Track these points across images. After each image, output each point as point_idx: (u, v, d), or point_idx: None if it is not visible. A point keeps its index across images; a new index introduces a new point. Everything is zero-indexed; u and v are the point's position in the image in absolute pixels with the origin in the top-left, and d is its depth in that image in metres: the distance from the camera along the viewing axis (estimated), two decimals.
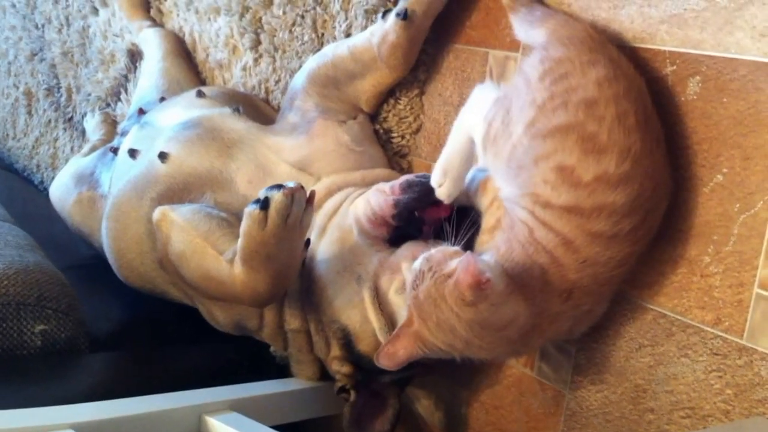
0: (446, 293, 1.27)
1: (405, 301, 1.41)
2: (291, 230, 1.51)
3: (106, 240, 2.02)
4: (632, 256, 1.31)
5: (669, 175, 1.33)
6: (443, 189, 1.52)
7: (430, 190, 1.54)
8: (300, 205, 1.51)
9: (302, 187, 1.51)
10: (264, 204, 1.48)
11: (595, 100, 1.27)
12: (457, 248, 1.35)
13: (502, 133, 1.36)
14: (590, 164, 1.25)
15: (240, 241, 1.53)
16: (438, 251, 1.34)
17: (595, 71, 1.29)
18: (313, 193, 1.56)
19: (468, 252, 1.30)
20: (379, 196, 1.62)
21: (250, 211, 1.49)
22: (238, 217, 1.60)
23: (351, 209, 1.69)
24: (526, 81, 1.36)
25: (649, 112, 1.31)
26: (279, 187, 1.49)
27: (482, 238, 1.44)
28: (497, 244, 1.35)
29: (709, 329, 1.37)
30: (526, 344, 1.40)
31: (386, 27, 1.80)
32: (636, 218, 1.27)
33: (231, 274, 1.58)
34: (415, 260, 1.48)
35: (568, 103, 1.28)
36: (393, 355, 1.39)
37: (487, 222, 1.46)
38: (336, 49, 1.92)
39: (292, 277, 1.65)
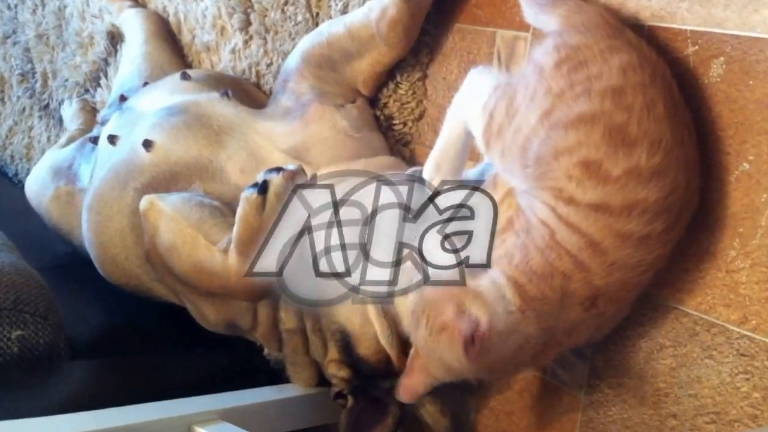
0: (442, 347, 1.30)
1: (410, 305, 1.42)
2: None
3: (87, 234, 2.03)
4: (663, 258, 1.31)
5: (699, 168, 1.33)
6: (435, 183, 1.52)
7: None
8: None
9: (303, 170, 1.52)
10: (262, 188, 1.48)
11: (621, 87, 1.26)
12: (452, 273, 1.37)
13: (507, 125, 1.35)
14: (620, 157, 1.23)
15: (235, 228, 1.54)
16: (431, 288, 1.35)
17: (618, 58, 1.29)
18: (314, 177, 1.56)
19: (457, 304, 1.30)
20: None
21: (247, 195, 1.50)
22: (231, 208, 1.60)
23: None
24: (538, 69, 1.34)
25: (676, 100, 1.30)
26: (278, 170, 1.50)
27: None
28: (510, 252, 1.34)
29: (735, 328, 1.37)
30: (539, 361, 1.41)
31: (385, 1, 1.79)
32: (669, 216, 1.26)
33: (225, 264, 1.59)
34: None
35: (590, 91, 1.27)
36: (412, 388, 1.42)
37: (497, 222, 1.46)
38: (331, 27, 1.91)
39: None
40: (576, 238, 1.27)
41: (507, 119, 1.36)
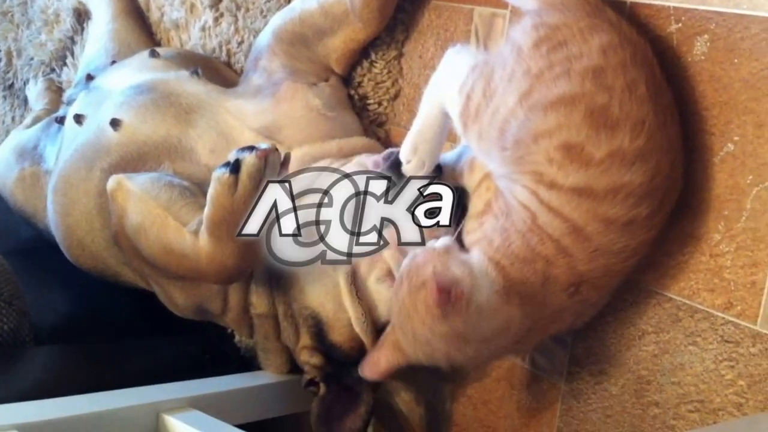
0: (418, 305, 1.29)
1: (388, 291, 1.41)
2: None
3: (53, 216, 2.01)
4: (647, 244, 1.30)
5: (683, 150, 1.32)
6: (412, 166, 1.50)
7: None
8: (274, 168, 1.50)
9: (276, 149, 1.51)
10: (234, 167, 1.47)
11: (601, 68, 1.25)
12: (447, 244, 1.35)
13: (485, 107, 1.34)
14: (602, 140, 1.22)
15: (206, 209, 1.53)
16: (425, 251, 1.34)
17: (598, 37, 1.27)
18: (288, 156, 1.55)
19: (439, 260, 1.30)
20: None
21: (219, 175, 1.49)
22: (201, 189, 1.59)
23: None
24: (516, 48, 1.33)
25: (658, 81, 1.29)
26: (251, 148, 1.49)
27: (470, 225, 1.42)
28: (489, 235, 1.33)
29: (719, 314, 1.37)
30: (521, 348, 1.40)
31: None
32: (654, 201, 1.26)
33: (195, 246, 1.57)
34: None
35: (570, 71, 1.25)
36: (375, 364, 1.43)
37: (475, 206, 1.44)
38: (304, 3, 1.90)
39: (262, 250, 1.63)
40: (558, 222, 1.26)
41: (484, 101, 1.35)
